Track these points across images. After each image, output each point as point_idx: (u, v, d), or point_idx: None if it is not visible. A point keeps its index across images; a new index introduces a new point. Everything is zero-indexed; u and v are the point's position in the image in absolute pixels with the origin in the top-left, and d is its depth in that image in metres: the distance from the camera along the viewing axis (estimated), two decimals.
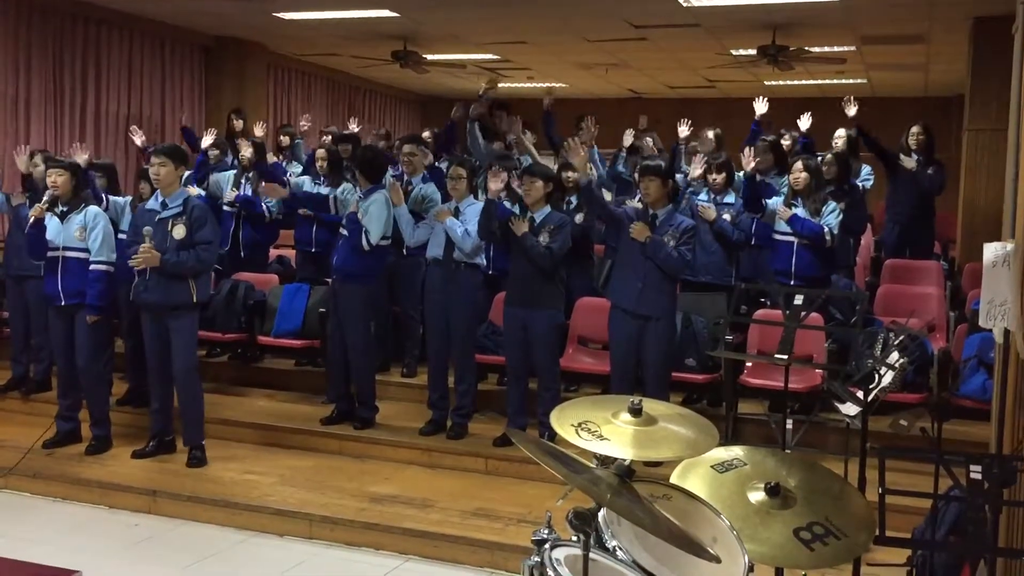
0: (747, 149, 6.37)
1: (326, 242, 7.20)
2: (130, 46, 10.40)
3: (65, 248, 5.92)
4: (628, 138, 8.27)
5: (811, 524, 2.70)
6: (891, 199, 8.13)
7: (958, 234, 9.21)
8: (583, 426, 2.60)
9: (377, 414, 6.39)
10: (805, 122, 7.84)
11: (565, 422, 2.63)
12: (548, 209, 5.86)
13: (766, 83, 12.96)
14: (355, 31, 10.54)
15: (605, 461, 2.61)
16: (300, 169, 8.60)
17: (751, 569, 2.57)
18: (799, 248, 6.23)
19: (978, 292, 4.71)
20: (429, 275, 6.22)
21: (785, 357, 4.14)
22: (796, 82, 12.69)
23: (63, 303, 5.94)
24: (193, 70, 11.35)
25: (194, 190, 6.78)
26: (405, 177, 7.06)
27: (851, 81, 12.65)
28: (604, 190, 7.84)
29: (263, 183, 7.56)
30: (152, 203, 5.80)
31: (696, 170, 6.77)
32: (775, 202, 6.43)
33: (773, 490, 2.77)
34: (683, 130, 7.90)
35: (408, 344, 7.24)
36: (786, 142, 7.75)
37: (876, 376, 3.69)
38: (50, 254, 5.96)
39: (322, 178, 7.59)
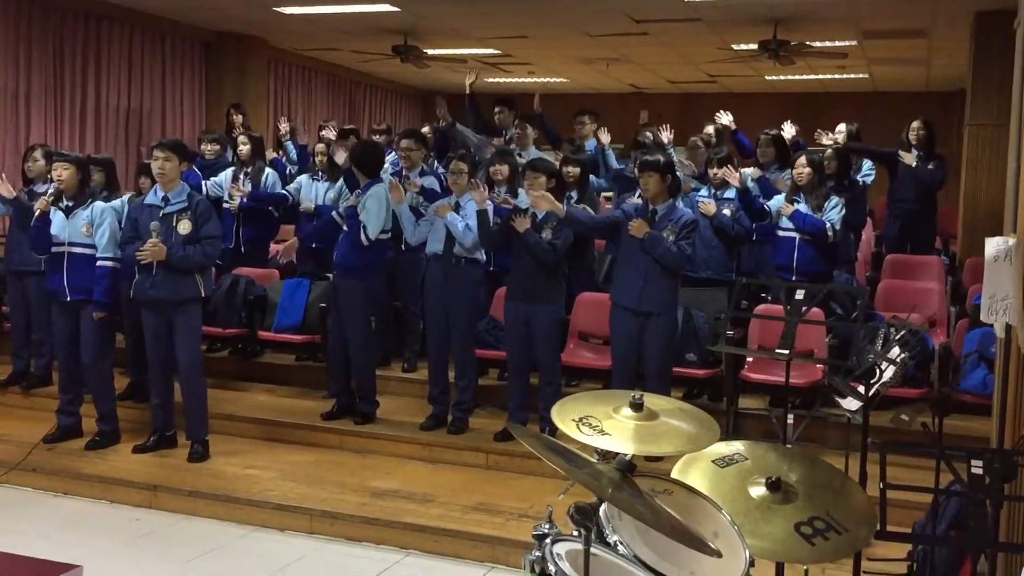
0: (727, 168, 6.41)
1: (314, 236, 7.10)
2: (130, 41, 10.38)
3: (71, 244, 5.88)
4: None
5: (812, 519, 2.70)
6: (892, 194, 8.12)
7: (959, 229, 9.20)
8: (584, 421, 2.60)
9: (378, 409, 6.39)
10: (789, 130, 7.89)
11: (566, 417, 2.63)
12: None
13: (767, 78, 12.94)
14: (356, 26, 10.53)
15: (606, 456, 2.62)
16: (295, 168, 8.59)
17: (752, 564, 2.57)
18: (801, 243, 6.24)
19: (979, 287, 4.72)
20: (429, 270, 6.22)
21: (786, 352, 4.14)
22: (797, 77, 12.68)
23: (68, 299, 5.90)
24: (194, 65, 11.32)
25: None
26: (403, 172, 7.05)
27: (852, 76, 12.63)
28: (602, 194, 7.86)
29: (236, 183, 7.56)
30: (152, 198, 5.76)
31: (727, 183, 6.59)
32: (776, 201, 6.43)
33: (774, 485, 2.77)
34: (725, 119, 8.01)
35: (408, 339, 7.24)
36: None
37: (877, 371, 3.70)
38: (55, 249, 5.91)
39: (320, 174, 7.58)
